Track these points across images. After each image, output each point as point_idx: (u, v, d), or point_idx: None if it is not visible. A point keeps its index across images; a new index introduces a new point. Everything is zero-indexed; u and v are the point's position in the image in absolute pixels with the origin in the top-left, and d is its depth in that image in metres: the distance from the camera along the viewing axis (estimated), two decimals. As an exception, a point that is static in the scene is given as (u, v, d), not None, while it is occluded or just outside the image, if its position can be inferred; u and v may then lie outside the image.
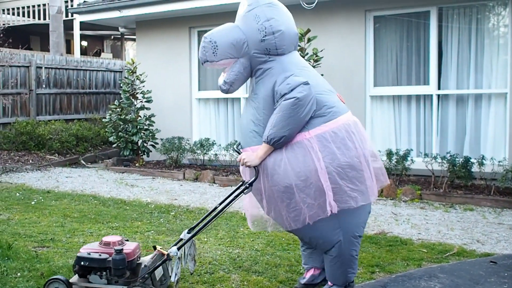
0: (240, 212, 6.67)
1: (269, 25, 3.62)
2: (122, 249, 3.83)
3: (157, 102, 10.99)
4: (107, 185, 9.03)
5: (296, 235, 4.02)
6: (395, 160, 8.28)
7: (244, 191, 3.72)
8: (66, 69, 13.79)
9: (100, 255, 3.87)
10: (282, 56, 3.68)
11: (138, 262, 3.96)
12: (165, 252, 3.87)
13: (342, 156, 3.52)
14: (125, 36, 22.85)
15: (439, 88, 8.76)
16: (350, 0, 9.23)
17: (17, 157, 11.10)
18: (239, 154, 3.73)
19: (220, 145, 10.27)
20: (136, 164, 10.71)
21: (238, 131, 8.88)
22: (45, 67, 13.17)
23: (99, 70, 14.68)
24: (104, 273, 3.86)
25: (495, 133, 8.41)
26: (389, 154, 8.32)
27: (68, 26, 18.76)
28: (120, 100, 10.99)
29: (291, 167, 3.51)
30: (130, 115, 10.77)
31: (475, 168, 7.79)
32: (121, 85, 11.20)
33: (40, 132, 11.61)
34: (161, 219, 6.58)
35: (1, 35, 12.40)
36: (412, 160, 8.28)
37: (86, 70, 14.31)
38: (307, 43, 8.93)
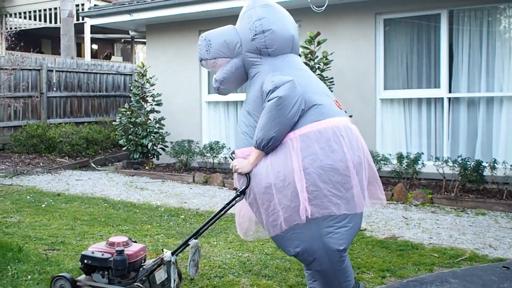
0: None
1: (260, 24, 3.58)
2: (123, 250, 3.87)
3: (167, 105, 11.01)
4: (117, 188, 9.04)
5: (281, 249, 3.65)
6: (406, 163, 8.24)
7: (236, 199, 3.61)
8: (76, 72, 13.86)
9: (102, 254, 3.94)
10: (275, 57, 3.60)
11: (142, 264, 3.97)
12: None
13: (325, 157, 3.30)
14: (135, 40, 22.93)
15: (450, 91, 8.71)
16: (360, 3, 9.20)
17: (28, 160, 11.15)
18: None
19: (229, 148, 10.26)
20: (146, 167, 10.72)
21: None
22: (56, 70, 13.24)
23: (109, 73, 14.74)
24: (106, 272, 3.92)
25: (507, 137, 8.34)
26: (400, 157, 8.28)
27: (79, 29, 18.87)
28: (130, 103, 11.02)
29: (272, 167, 3.38)
30: (140, 118, 10.79)
31: (487, 172, 7.73)
32: (131, 88, 11.23)
33: (50, 135, 11.67)
34: (171, 222, 6.58)
35: (13, 38, 12.52)
36: (423, 163, 8.23)
37: (97, 73, 14.38)
38: (317, 46, 8.91)
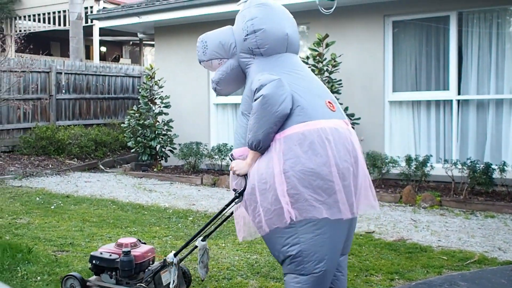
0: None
1: (251, 24, 3.51)
2: (129, 251, 3.89)
3: (175, 108, 11.03)
4: (125, 190, 9.07)
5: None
6: (415, 166, 8.21)
7: (235, 201, 3.54)
8: (85, 74, 13.91)
9: (110, 255, 3.97)
10: (268, 57, 3.51)
11: (150, 265, 3.99)
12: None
13: (307, 161, 3.14)
14: (144, 42, 23.01)
15: (459, 93, 8.68)
16: (368, 5, 9.19)
17: (37, 162, 11.20)
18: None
19: (238, 150, 10.24)
20: (154, 169, 10.75)
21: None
22: (65, 73, 13.30)
23: (118, 76, 14.79)
24: (114, 273, 3.96)
25: (516, 139, 8.31)
26: (408, 160, 8.25)
27: (87, 32, 18.94)
28: (139, 106, 11.05)
29: (257, 169, 3.31)
30: (148, 120, 10.82)
31: (496, 175, 7.69)
32: (140, 90, 11.26)
33: (59, 137, 11.72)
34: (179, 224, 6.59)
35: (23, 41, 12.56)
36: (431, 166, 8.20)
37: (105, 75, 14.42)
38: (325, 48, 8.90)
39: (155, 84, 10.96)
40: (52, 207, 7.48)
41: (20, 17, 21.11)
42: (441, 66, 8.87)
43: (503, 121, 8.43)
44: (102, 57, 24.04)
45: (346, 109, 8.78)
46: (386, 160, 8.37)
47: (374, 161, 8.35)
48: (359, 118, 8.83)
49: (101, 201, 7.97)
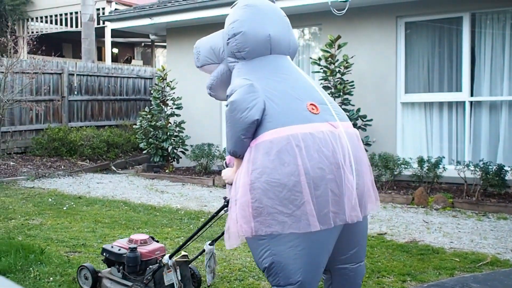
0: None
1: (231, 28, 3.39)
2: (136, 248, 3.96)
3: (187, 109, 11.05)
4: (137, 191, 9.10)
5: None
6: (427, 167, 8.17)
7: (224, 209, 3.48)
8: (97, 76, 13.98)
9: (119, 249, 4.07)
10: (250, 60, 3.34)
11: (158, 263, 3.99)
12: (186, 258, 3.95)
13: (273, 171, 2.91)
14: (156, 43, 23.08)
15: (472, 95, 8.64)
16: (381, 6, 9.16)
17: (50, 163, 11.27)
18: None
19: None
20: (166, 171, 10.78)
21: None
22: (77, 74, 13.37)
23: (129, 77, 14.85)
24: (121, 267, 4.04)
25: (529, 141, 8.25)
26: (421, 161, 8.22)
27: (99, 33, 19.05)
28: (151, 107, 11.08)
29: (235, 178, 3.16)
30: (160, 122, 10.86)
31: (509, 176, 7.64)
32: (152, 91, 11.31)
33: (72, 138, 11.78)
34: (191, 225, 6.60)
35: (35, 42, 12.65)
36: (444, 167, 8.16)
37: (117, 77, 14.49)
38: (337, 49, 8.89)
39: (167, 85, 11.00)
40: (65, 208, 7.53)
41: (32, 19, 21.29)
42: (453, 67, 8.83)
43: (516, 123, 8.38)
44: (114, 59, 24.15)
45: (358, 110, 8.76)
46: (398, 162, 8.34)
47: (386, 163, 8.32)
48: (371, 120, 8.80)
49: (113, 202, 8.00)
